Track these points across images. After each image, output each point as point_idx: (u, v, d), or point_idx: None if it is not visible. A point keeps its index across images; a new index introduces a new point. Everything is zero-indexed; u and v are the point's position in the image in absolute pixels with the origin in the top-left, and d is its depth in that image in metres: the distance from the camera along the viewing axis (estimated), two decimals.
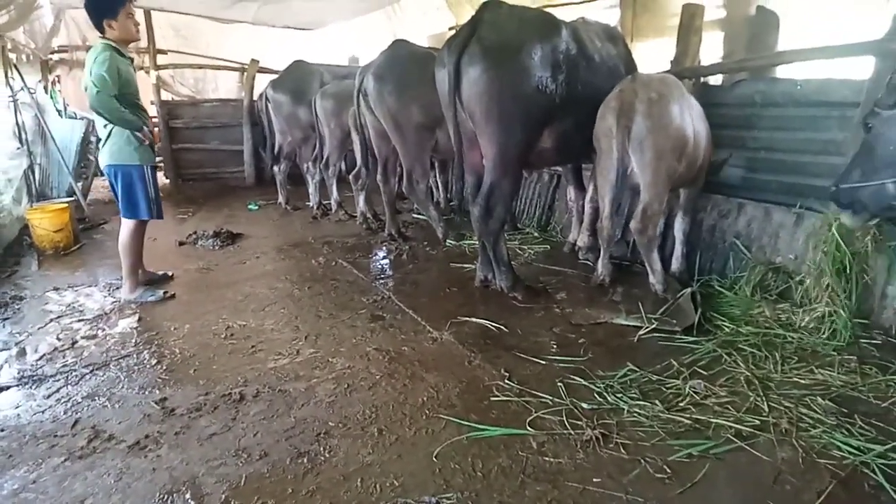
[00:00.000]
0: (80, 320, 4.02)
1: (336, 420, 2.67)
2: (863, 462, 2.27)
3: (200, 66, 10.43)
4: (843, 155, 3.82)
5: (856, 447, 2.35)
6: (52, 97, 8.82)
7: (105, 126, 4.08)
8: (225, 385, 3.03)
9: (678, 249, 4.37)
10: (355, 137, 6.10)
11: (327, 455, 2.42)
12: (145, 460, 2.43)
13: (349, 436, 2.55)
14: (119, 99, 3.96)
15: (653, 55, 6.34)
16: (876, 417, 2.57)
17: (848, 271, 3.40)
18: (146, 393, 2.99)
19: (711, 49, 6.09)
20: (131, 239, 4.30)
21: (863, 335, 3.32)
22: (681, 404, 2.72)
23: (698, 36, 5.02)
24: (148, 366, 3.30)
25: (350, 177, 6.72)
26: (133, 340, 3.66)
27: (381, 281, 4.75)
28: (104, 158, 4.17)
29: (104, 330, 3.85)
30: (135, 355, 3.44)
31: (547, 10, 5.38)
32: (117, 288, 4.55)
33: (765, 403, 2.69)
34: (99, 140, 4.29)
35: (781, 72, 5.21)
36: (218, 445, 2.51)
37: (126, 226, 4.28)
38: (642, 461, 2.33)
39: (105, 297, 4.49)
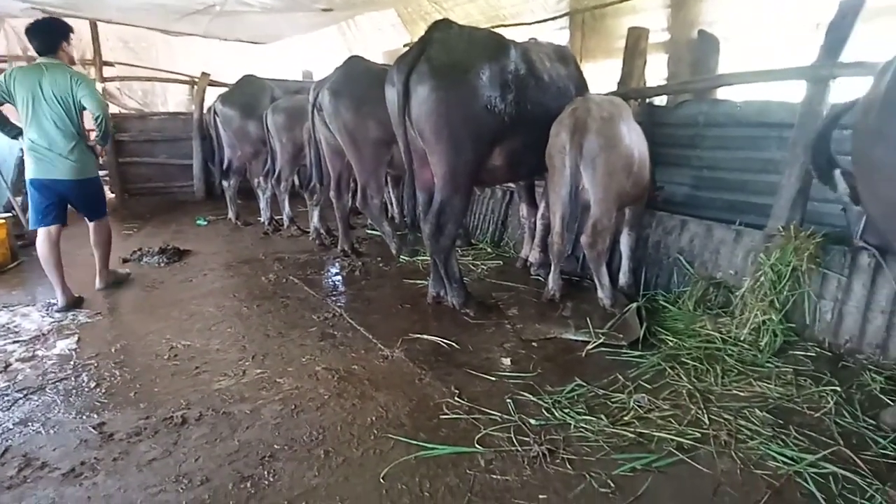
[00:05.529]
0: (15, 342, 3.84)
1: (282, 442, 2.62)
2: (796, 472, 2.35)
3: (149, 79, 10.18)
4: (781, 173, 3.99)
5: (790, 457, 2.43)
6: None
7: None
8: (167, 408, 2.93)
9: (625, 264, 4.48)
10: (309, 152, 6.05)
11: (271, 479, 2.36)
12: (80, 489, 2.33)
13: (295, 458, 2.50)
14: None
15: (602, 76, 6.52)
16: (809, 427, 2.67)
17: (782, 283, 3.54)
18: (83, 417, 2.87)
19: (656, 71, 6.31)
20: (39, 247, 4.44)
21: (798, 348, 3.46)
22: (625, 418, 2.77)
23: (643, 58, 5.20)
24: (86, 389, 3.17)
25: (305, 192, 6.65)
26: (71, 363, 3.51)
27: (333, 298, 4.70)
28: None
29: (41, 352, 3.69)
30: (73, 378, 3.30)
31: (497, 30, 5.47)
32: (56, 308, 4.38)
33: (705, 416, 2.77)
34: None
35: (723, 93, 5.44)
36: (158, 472, 2.43)
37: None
38: (587, 476, 2.36)
39: (43, 317, 4.30)
